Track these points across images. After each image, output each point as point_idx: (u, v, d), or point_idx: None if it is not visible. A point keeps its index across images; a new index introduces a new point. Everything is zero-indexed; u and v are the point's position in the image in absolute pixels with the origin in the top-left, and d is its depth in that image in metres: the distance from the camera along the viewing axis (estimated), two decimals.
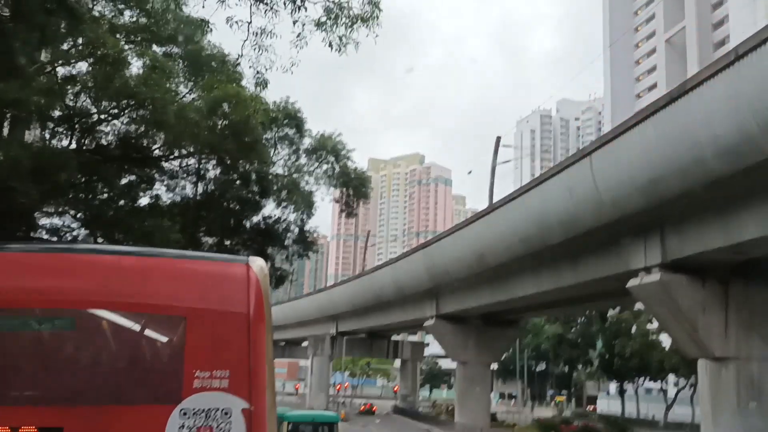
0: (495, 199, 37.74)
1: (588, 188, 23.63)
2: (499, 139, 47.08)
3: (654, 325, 50.52)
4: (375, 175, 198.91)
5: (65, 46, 14.46)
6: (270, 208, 20.20)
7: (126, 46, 14.90)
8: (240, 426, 3.86)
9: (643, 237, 24.06)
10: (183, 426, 3.80)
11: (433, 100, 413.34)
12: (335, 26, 9.97)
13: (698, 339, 23.81)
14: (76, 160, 14.47)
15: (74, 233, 17.02)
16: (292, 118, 19.38)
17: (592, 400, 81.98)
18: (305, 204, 19.87)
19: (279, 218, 20.60)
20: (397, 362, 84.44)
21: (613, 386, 72.42)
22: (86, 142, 17.02)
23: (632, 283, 24.59)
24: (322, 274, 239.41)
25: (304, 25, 9.96)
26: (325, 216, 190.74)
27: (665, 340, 49.43)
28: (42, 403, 3.78)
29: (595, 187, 23.21)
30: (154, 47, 15.93)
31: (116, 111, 15.87)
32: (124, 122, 16.62)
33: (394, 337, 74.57)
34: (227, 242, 18.91)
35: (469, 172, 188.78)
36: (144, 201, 18.78)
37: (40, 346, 3.97)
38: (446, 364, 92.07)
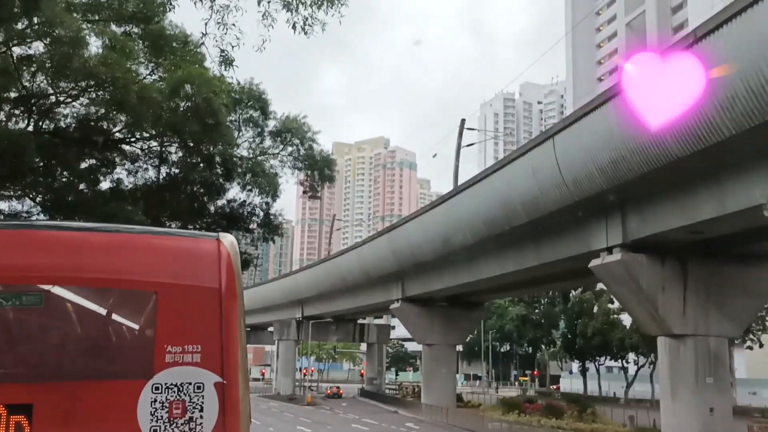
0: (459, 182, 37.94)
1: (551, 170, 23.94)
2: (463, 121, 47.27)
3: (615, 304, 51.55)
4: (340, 159, 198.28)
5: (20, 26, 14.04)
6: (234, 192, 19.94)
7: (84, 26, 14.53)
8: (213, 400, 3.87)
9: (604, 218, 24.51)
10: (155, 401, 3.79)
11: (399, 81, 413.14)
12: (301, 6, 9.88)
13: (658, 317, 24.42)
14: (34, 143, 14.13)
15: (34, 218, 16.66)
16: (256, 100, 19.10)
17: (555, 379, 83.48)
18: (270, 187, 19.63)
19: (244, 201, 20.32)
20: (364, 346, 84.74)
21: (575, 365, 73.81)
22: (44, 124, 16.60)
23: (594, 263, 25.06)
24: (287, 259, 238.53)
25: (269, 2, 9.85)
26: (289, 201, 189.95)
27: (626, 319, 50.49)
28: (10, 380, 3.73)
29: (557, 169, 23.51)
30: (113, 27, 15.57)
31: (75, 92, 15.49)
32: (84, 104, 16.25)
33: (361, 321, 74.79)
34: (191, 226, 18.66)
35: (434, 156, 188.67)
36: (105, 185, 18.42)
37: (7, 323, 3.90)
38: (412, 346, 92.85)
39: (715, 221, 20.36)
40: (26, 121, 16.05)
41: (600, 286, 47.39)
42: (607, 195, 22.58)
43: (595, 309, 57.90)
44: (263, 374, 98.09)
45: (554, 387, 78.85)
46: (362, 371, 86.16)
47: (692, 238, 22.81)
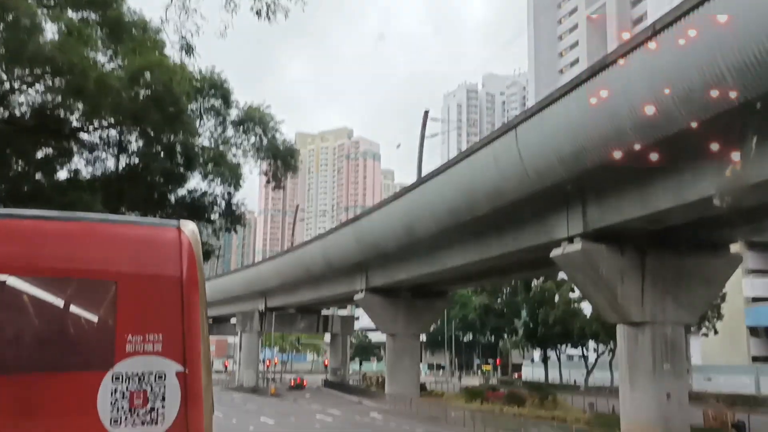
0: (423, 173, 38.08)
1: (513, 161, 24.15)
2: (426, 112, 47.49)
3: (576, 293, 52.35)
4: (303, 150, 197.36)
5: None
6: (196, 181, 19.57)
7: (39, 11, 14.14)
8: (175, 389, 3.82)
9: (565, 208, 24.85)
10: (116, 391, 3.72)
11: (363, 72, 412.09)
12: None
13: (617, 305, 24.91)
14: None
15: None
16: (218, 89, 18.75)
17: (517, 367, 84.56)
18: (232, 176, 19.34)
19: (205, 192, 19.95)
20: (327, 336, 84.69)
21: (537, 354, 74.80)
22: None
23: (555, 252, 25.42)
24: (250, 250, 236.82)
25: None
26: (252, 191, 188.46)
27: (586, 307, 51.32)
28: None
29: (520, 160, 23.73)
30: (70, 12, 15.17)
31: (30, 79, 15.08)
32: (40, 91, 15.83)
33: (324, 312, 74.68)
34: (152, 216, 18.34)
35: (398, 146, 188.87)
36: (63, 175, 17.98)
37: None
38: (376, 337, 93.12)
39: (674, 211, 20.81)
40: None
41: (561, 275, 48.08)
42: (568, 185, 22.88)
43: (557, 298, 58.71)
44: (226, 366, 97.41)
45: (516, 375, 79.87)
46: (326, 362, 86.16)
47: (651, 227, 23.28)
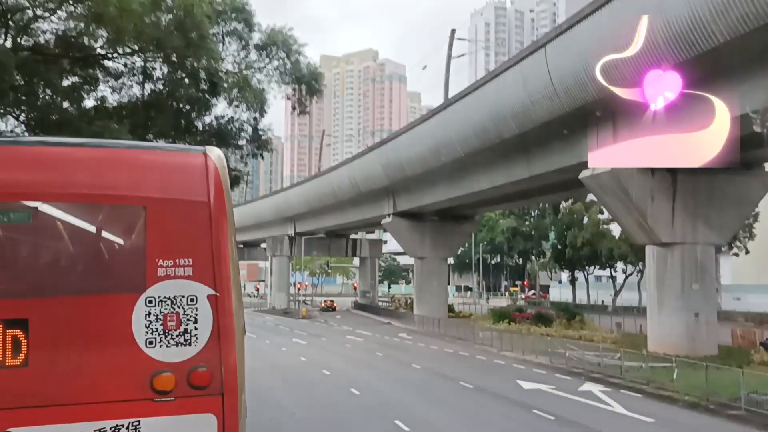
0: (450, 95, 37.49)
1: (542, 80, 23.64)
2: (453, 32, 46.35)
3: (605, 215, 52.10)
4: (327, 73, 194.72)
5: None
6: (221, 108, 19.60)
7: None
8: (206, 311, 3.92)
9: (595, 128, 24.40)
10: (149, 314, 3.84)
11: None
12: None
13: (647, 226, 24.77)
14: (14, 60, 13.75)
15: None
16: (240, 12, 18.50)
17: (545, 289, 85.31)
18: (257, 102, 19.29)
19: (231, 118, 20.01)
20: (356, 260, 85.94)
21: (564, 275, 75.16)
22: (22, 40, 16.11)
23: (585, 174, 25.14)
24: (278, 177, 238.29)
25: None
26: (278, 117, 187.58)
27: (615, 229, 51.15)
28: (4, 296, 3.76)
29: (549, 79, 23.23)
30: None
31: (53, 5, 14.98)
32: (63, 18, 15.75)
33: (353, 236, 75.57)
34: (180, 143, 18.47)
35: (424, 68, 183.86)
36: (89, 103, 18.07)
37: None
38: (404, 260, 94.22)
39: None
40: (3, 38, 15.55)
41: (590, 197, 47.77)
42: (598, 104, 22.40)
43: (585, 220, 58.51)
44: (257, 290, 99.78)
45: (543, 296, 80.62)
46: (355, 285, 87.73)
47: None
